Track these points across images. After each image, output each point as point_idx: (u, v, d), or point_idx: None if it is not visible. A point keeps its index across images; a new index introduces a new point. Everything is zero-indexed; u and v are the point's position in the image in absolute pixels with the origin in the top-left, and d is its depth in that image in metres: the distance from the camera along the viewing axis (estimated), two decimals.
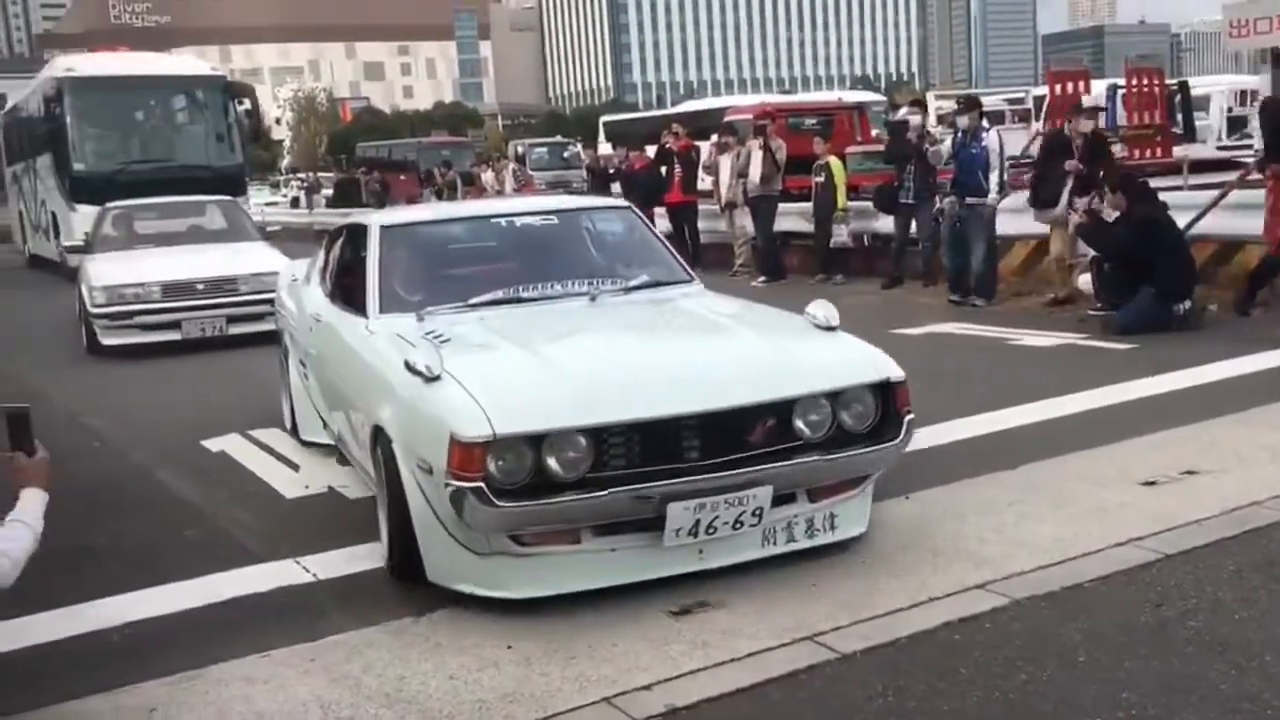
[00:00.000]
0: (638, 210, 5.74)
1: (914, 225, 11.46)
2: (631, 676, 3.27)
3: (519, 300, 4.73)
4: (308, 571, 4.30)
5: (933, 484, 4.82)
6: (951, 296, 10.21)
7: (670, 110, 35.15)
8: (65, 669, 3.60)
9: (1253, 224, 8.81)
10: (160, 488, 5.72)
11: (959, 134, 10.27)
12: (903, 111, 11.31)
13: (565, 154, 32.64)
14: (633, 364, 4.07)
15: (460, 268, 5.26)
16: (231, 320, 10.19)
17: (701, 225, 14.86)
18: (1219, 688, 3.01)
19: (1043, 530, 4.23)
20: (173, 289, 10.21)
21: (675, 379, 3.87)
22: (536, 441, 3.56)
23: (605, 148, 26.40)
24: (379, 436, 4.08)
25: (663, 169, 15.06)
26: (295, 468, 5.82)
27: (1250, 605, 3.52)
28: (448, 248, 5.39)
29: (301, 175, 32.00)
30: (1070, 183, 9.33)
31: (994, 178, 9.84)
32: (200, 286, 10.28)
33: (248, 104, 18.02)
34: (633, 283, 4.96)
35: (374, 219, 5.31)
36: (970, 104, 10.90)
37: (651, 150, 16.06)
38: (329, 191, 33.55)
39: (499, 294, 4.74)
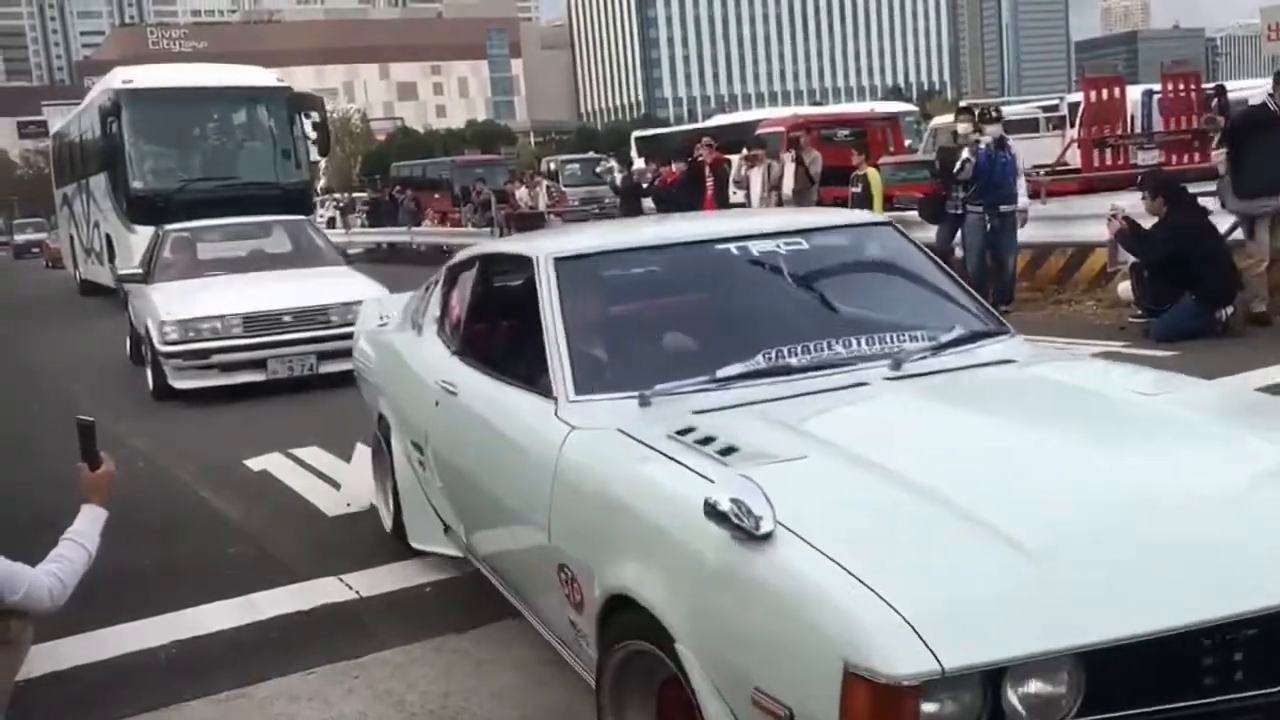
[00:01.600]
0: (901, 229, 3.93)
1: (959, 235, 11.44)
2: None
3: (787, 371, 3.03)
4: (350, 589, 4.32)
5: None
6: None
7: (702, 124, 35.21)
8: (113, 688, 3.65)
9: None
10: (203, 505, 5.78)
11: (983, 145, 10.23)
12: (963, 128, 11.13)
13: (598, 169, 32.72)
14: (1108, 519, 2.20)
15: (682, 320, 3.56)
16: (323, 357, 8.64)
17: None
18: None
19: None
20: (256, 322, 8.75)
21: (1196, 550, 2.12)
22: (995, 676, 1.94)
23: (638, 163, 26.46)
24: (623, 614, 2.48)
25: (695, 183, 15.08)
26: (336, 485, 5.86)
27: None
28: (657, 291, 3.72)
29: (337, 195, 32.34)
30: None
31: (1022, 184, 9.92)
32: (287, 319, 8.81)
33: (315, 116, 16.65)
34: (944, 337, 3.23)
35: (538, 248, 3.53)
36: (998, 114, 10.91)
37: (682, 165, 16.09)
38: (366, 209, 33.86)
39: (757, 362, 3.03)
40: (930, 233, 11.90)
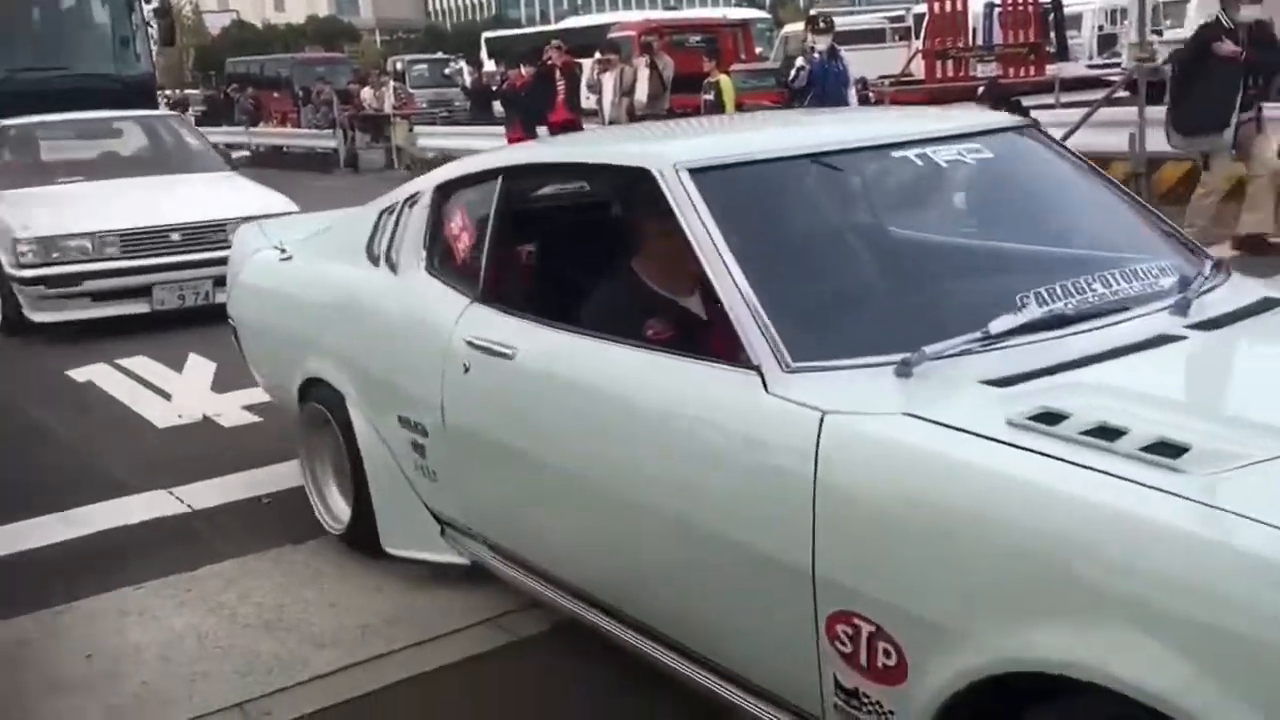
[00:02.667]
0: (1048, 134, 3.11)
1: None
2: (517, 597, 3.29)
3: (1061, 323, 2.27)
4: (181, 502, 4.19)
5: None
6: None
7: (554, 26, 34.51)
8: None
9: (1118, 141, 9.09)
10: (23, 417, 5.51)
11: (818, 54, 10.33)
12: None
13: (447, 71, 31.84)
14: None
15: (888, 254, 2.82)
16: (220, 283, 6.15)
17: None
18: None
19: None
20: (137, 240, 7.22)
21: None
22: None
23: (488, 65, 25.82)
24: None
25: (545, 87, 14.82)
26: (167, 396, 5.65)
27: None
28: (839, 214, 2.89)
29: (168, 93, 30.54)
30: (1241, 92, 7.29)
31: (852, 95, 10.11)
32: (175, 236, 7.30)
33: (156, 2, 14.86)
34: (1206, 282, 2.51)
35: (652, 155, 2.59)
36: (829, 24, 11.05)
37: (532, 69, 15.78)
38: (201, 108, 32.23)
39: (1029, 311, 2.24)
40: None
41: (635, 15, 30.79)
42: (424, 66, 32.39)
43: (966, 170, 2.73)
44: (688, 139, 3.22)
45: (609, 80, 13.76)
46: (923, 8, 19.37)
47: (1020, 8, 16.78)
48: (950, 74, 15.38)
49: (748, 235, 2.44)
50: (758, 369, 2.16)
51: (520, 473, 2.82)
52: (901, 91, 14.34)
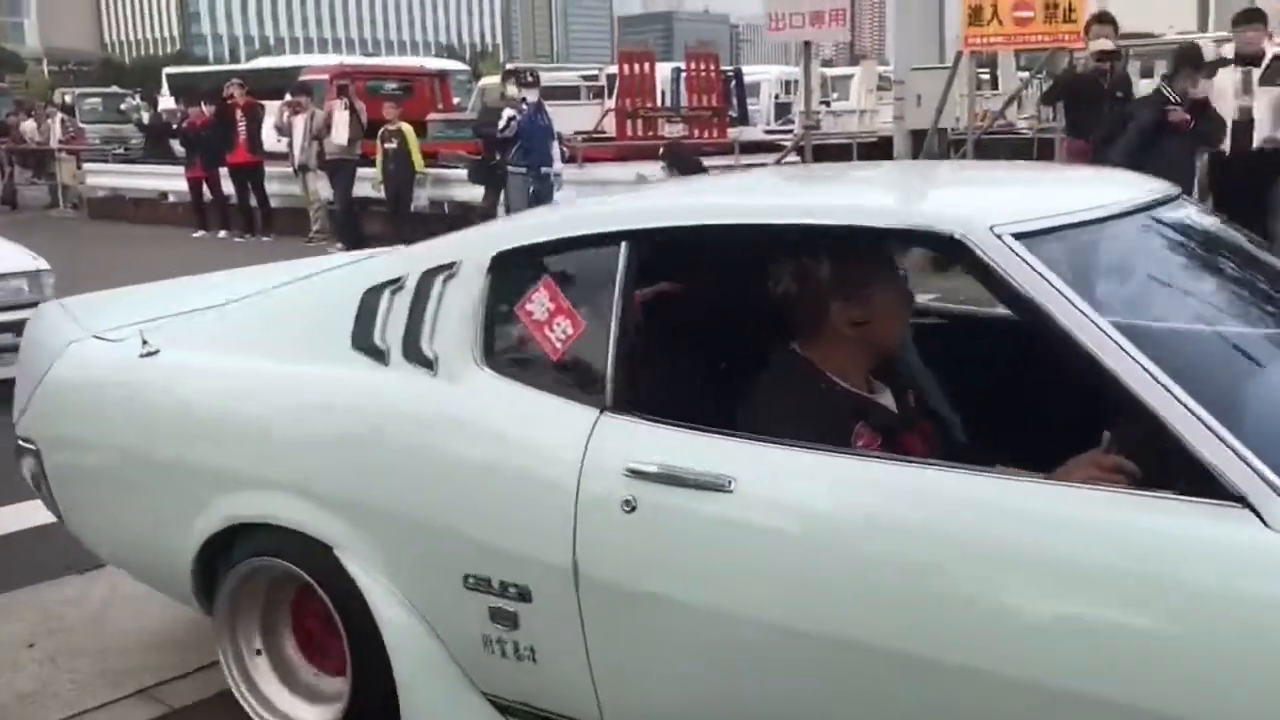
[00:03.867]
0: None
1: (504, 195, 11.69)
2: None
3: None
4: None
5: None
6: None
7: (243, 65, 33.23)
8: None
9: None
10: None
11: (525, 106, 10.54)
12: (512, 90, 11.34)
13: (123, 106, 29.90)
14: None
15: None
16: None
17: (273, 189, 14.26)
18: None
19: None
20: None
21: None
22: None
23: (165, 101, 24.44)
24: None
25: (226, 126, 14.24)
26: None
27: None
28: (1156, 282, 2.30)
29: None
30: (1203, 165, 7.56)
31: (556, 148, 10.41)
32: None
33: None
34: None
35: (974, 213, 2.02)
36: (535, 78, 11.31)
37: (212, 107, 15.13)
38: None
39: None
40: (478, 192, 12.15)
41: (329, 59, 30.15)
42: (97, 100, 30.24)
43: (1195, 233, 2.43)
44: (966, 189, 2.56)
45: (299, 123, 13.42)
46: (615, 69, 20.12)
47: (704, 75, 17.80)
48: (640, 132, 16.03)
49: (1134, 320, 1.92)
50: (1243, 500, 1.67)
51: (730, 644, 2.05)
52: (593, 147, 14.81)
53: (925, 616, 1.86)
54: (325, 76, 18.32)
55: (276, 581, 2.67)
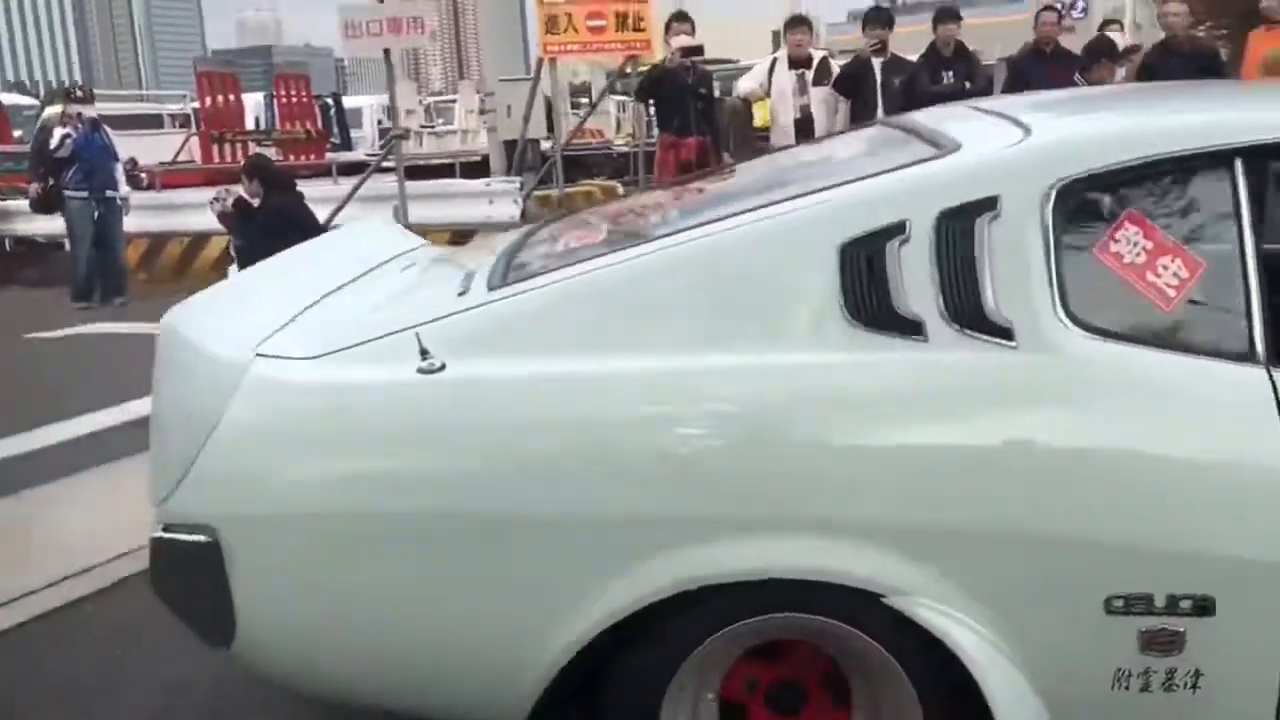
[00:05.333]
0: None
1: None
2: None
3: None
4: None
5: None
6: (80, 304, 9.42)
7: None
8: None
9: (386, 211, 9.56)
10: None
11: (80, 125, 9.60)
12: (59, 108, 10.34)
13: None
14: None
15: None
16: None
17: None
18: None
19: None
20: None
21: None
22: None
23: None
24: None
25: None
26: None
27: None
28: None
29: None
30: None
31: (120, 170, 9.74)
32: None
33: None
34: None
35: None
36: (88, 94, 10.52)
37: None
38: None
39: None
40: (39, 224, 10.99)
41: None
42: None
43: None
44: None
45: None
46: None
47: (296, 99, 17.44)
48: (231, 157, 15.40)
49: None
50: None
51: None
52: (175, 173, 14.19)
53: None
54: None
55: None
